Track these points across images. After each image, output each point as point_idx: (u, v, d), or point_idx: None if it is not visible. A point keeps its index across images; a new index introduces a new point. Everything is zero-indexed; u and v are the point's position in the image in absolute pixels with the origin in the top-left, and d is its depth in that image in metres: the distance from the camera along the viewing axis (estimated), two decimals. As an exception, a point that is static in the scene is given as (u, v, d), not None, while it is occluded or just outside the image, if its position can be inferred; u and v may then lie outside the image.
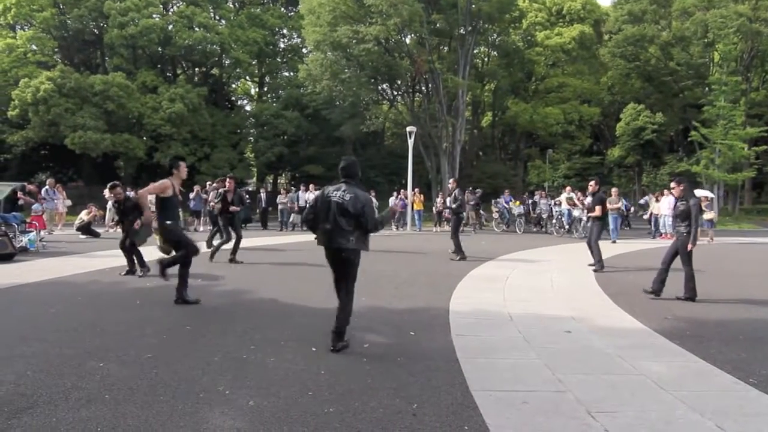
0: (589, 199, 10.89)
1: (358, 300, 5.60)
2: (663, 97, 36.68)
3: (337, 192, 4.43)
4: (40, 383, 3.57)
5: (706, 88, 30.85)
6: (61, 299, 6.31)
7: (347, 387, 3.61)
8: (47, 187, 15.82)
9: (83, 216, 15.31)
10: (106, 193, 17.47)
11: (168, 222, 6.05)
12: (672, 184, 7.50)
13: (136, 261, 8.20)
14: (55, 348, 4.35)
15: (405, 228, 20.64)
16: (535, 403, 3.38)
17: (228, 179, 10.12)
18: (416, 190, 21.44)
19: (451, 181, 12.16)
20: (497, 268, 9.68)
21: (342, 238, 4.36)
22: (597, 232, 9.89)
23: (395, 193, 21.92)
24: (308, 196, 19.71)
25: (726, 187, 31.90)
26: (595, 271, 9.32)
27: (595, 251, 9.62)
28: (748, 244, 16.32)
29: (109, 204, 17.44)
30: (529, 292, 7.32)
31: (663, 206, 17.52)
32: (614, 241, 15.40)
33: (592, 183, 10.47)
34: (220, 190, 9.84)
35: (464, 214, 13.05)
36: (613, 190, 17.48)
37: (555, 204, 19.45)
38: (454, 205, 10.97)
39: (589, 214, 10.29)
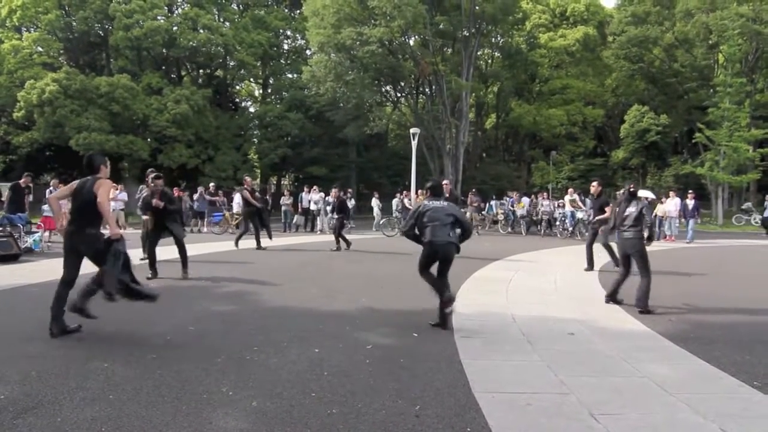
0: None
1: (360, 302, 5.61)
2: (667, 99, 36.56)
3: (436, 203, 5.47)
4: (45, 383, 3.59)
5: (711, 90, 30.74)
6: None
7: (350, 388, 3.62)
8: (51, 188, 15.88)
9: None
10: (111, 193, 17.47)
11: (91, 230, 4.91)
12: (594, 184, 7.53)
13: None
14: (59, 348, 4.37)
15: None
16: (538, 405, 3.38)
17: (245, 179, 10.40)
18: (420, 191, 21.42)
19: (446, 182, 11.92)
20: (500, 269, 9.66)
21: (447, 235, 5.33)
22: (600, 233, 9.77)
23: (398, 195, 21.92)
24: (311, 197, 19.74)
25: (731, 189, 31.76)
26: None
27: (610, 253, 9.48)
28: (751, 247, 16.25)
29: (114, 204, 17.47)
30: (532, 293, 7.31)
31: (669, 208, 17.49)
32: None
33: (594, 184, 10.02)
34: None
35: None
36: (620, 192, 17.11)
37: (558, 206, 19.42)
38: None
39: (598, 218, 9.59)
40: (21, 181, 12.68)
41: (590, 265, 9.67)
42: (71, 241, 4.91)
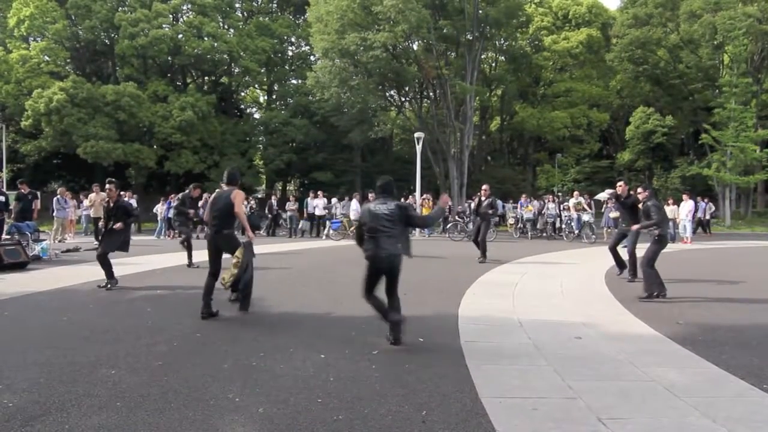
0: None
1: (365, 307, 5.58)
2: (673, 100, 36.43)
3: (381, 205, 4.84)
4: (53, 390, 3.61)
5: (717, 91, 30.62)
6: (73, 307, 6.38)
7: (356, 394, 3.62)
8: (58, 196, 15.96)
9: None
10: (92, 196, 16.77)
11: (227, 231, 5.98)
12: (639, 189, 7.41)
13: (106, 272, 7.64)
14: (67, 355, 4.39)
15: (413, 234, 20.64)
16: (545, 410, 3.36)
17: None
18: (425, 195, 21.43)
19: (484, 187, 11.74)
20: (507, 273, 9.63)
21: (391, 245, 4.73)
22: (633, 240, 8.69)
23: (402, 199, 21.91)
24: (316, 202, 19.80)
25: (738, 189, 31.58)
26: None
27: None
28: (759, 248, 16.12)
29: (87, 211, 17.42)
30: (538, 297, 7.28)
31: (683, 211, 17.46)
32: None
33: (620, 184, 9.12)
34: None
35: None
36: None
37: (563, 209, 19.37)
38: (490, 211, 11.30)
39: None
40: (21, 189, 12.74)
41: (625, 267, 9.12)
42: (213, 241, 5.95)
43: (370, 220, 4.80)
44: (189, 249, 9.93)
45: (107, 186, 7.84)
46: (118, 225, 7.63)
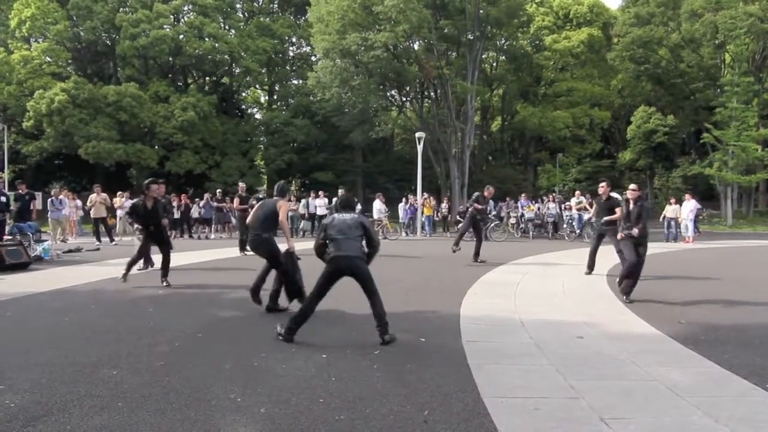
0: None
1: (365, 307, 5.58)
2: (674, 100, 36.38)
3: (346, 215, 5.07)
4: (54, 391, 3.61)
5: (718, 90, 30.60)
6: (75, 307, 6.38)
7: (358, 394, 3.61)
8: (53, 197, 15.79)
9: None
10: (117, 201, 17.48)
11: (265, 235, 6.25)
12: (603, 185, 7.47)
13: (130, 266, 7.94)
14: (68, 356, 4.39)
15: (415, 234, 20.62)
16: (547, 410, 3.36)
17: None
18: (426, 195, 21.41)
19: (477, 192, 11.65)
20: (508, 273, 9.62)
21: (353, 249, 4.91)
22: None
23: (404, 199, 21.92)
24: (317, 202, 19.82)
25: (740, 189, 31.53)
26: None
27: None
28: (761, 247, 16.08)
29: (120, 212, 17.53)
30: (540, 297, 7.26)
31: (684, 210, 17.44)
32: None
33: (603, 185, 8.86)
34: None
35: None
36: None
37: (565, 208, 19.35)
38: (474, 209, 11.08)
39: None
40: (19, 190, 12.69)
41: (590, 269, 9.25)
42: (254, 245, 6.39)
43: (338, 226, 4.94)
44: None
45: (155, 185, 8.00)
46: (165, 221, 8.24)
